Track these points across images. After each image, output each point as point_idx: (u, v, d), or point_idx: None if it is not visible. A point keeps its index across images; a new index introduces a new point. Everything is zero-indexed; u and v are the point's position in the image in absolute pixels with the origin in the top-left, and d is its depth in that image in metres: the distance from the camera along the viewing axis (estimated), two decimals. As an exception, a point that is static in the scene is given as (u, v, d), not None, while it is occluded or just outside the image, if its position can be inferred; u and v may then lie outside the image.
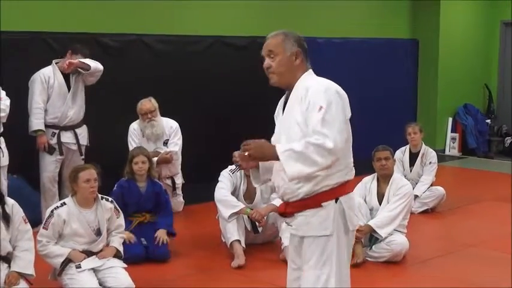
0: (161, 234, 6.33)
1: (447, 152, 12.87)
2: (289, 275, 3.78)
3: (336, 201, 3.56)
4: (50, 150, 7.26)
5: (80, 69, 7.30)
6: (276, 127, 3.78)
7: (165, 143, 8.00)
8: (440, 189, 8.32)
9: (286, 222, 3.76)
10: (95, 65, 7.34)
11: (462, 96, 13.11)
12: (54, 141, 7.29)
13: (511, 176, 10.10)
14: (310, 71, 3.68)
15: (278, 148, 3.43)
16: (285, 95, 3.74)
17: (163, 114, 8.02)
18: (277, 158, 3.43)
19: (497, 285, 5.80)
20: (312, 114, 3.44)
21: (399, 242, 6.29)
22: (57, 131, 7.30)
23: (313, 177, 3.49)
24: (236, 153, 3.76)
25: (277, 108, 3.82)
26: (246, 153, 3.46)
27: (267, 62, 3.64)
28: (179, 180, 8.18)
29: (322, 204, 3.54)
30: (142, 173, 6.42)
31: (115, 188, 6.37)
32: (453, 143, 12.98)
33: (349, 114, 3.56)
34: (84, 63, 7.26)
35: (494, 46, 13.76)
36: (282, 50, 3.62)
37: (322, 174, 3.48)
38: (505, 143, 13.19)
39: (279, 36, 3.66)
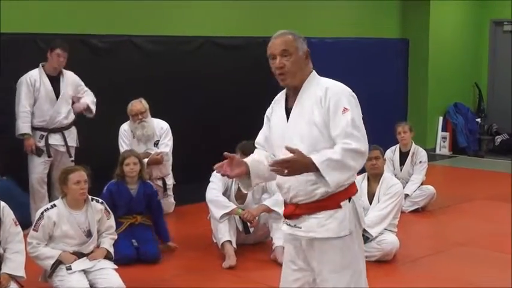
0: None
1: (438, 151, 12.90)
2: (288, 276, 3.73)
3: (349, 201, 3.57)
4: (38, 152, 7.24)
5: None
6: (274, 127, 3.68)
7: (156, 144, 7.98)
8: (430, 188, 8.34)
9: (288, 224, 3.65)
10: (94, 108, 7.57)
11: (452, 95, 13.14)
12: (42, 143, 7.28)
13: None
14: (314, 71, 3.66)
15: (315, 159, 3.33)
16: (282, 95, 3.69)
17: (153, 115, 8.01)
18: (313, 169, 3.35)
19: (489, 284, 5.82)
20: (339, 117, 3.43)
21: (390, 241, 6.31)
22: (45, 134, 7.29)
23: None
24: (217, 166, 3.61)
25: (271, 108, 3.76)
26: (285, 171, 3.31)
27: (280, 61, 3.53)
28: (170, 181, 8.18)
29: (341, 204, 3.54)
30: (133, 174, 6.40)
31: (105, 190, 6.34)
32: (444, 142, 13.01)
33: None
34: (90, 109, 7.54)
35: (484, 45, 13.81)
36: (295, 49, 3.56)
37: None
38: (495, 141, 13.24)
39: (289, 35, 3.59)
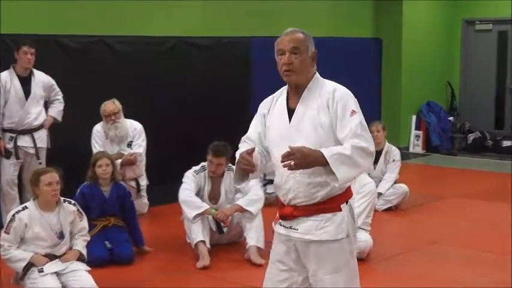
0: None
1: (411, 150, 12.98)
2: (275, 276, 3.70)
3: (346, 204, 3.58)
4: (7, 154, 7.18)
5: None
6: (273, 126, 3.63)
7: (129, 145, 7.95)
8: (403, 187, 8.39)
9: (282, 225, 3.63)
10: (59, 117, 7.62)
11: (425, 94, 13.23)
12: (11, 145, 7.22)
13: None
14: (317, 73, 3.64)
15: (325, 152, 3.34)
16: (283, 94, 3.66)
17: (127, 116, 7.98)
18: (322, 163, 3.35)
19: (461, 281, 5.86)
20: (347, 119, 3.45)
21: (363, 239, 6.32)
22: (14, 135, 7.23)
23: (327, 182, 3.47)
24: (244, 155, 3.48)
25: (268, 105, 3.71)
26: (292, 163, 3.30)
27: (289, 58, 3.50)
28: (143, 182, 8.15)
29: (341, 206, 3.55)
30: (106, 176, 6.36)
31: (77, 193, 6.27)
32: (417, 140, 13.09)
33: None
34: (56, 119, 7.54)
35: (456, 44, 13.92)
36: (305, 49, 3.55)
37: None
38: (467, 140, 13.34)
39: (300, 34, 3.58)
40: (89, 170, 6.38)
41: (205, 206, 6.39)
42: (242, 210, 6.41)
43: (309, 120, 3.50)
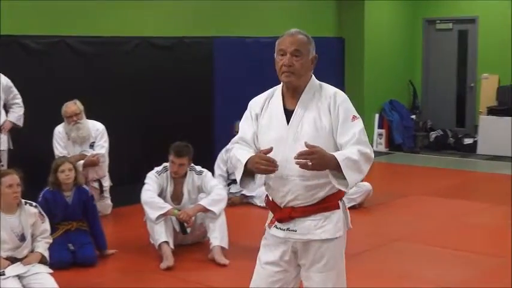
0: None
1: (374, 148, 12.99)
2: (268, 277, 3.66)
3: (340, 201, 3.61)
4: None
5: None
6: (268, 127, 3.57)
7: (92, 146, 7.91)
8: (367, 185, 8.43)
9: (278, 228, 3.59)
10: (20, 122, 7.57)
11: (388, 92, 13.34)
12: None
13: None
14: (313, 75, 3.62)
15: (338, 156, 3.33)
16: (277, 94, 3.61)
17: (89, 117, 7.93)
18: (333, 167, 3.34)
19: (423, 277, 5.92)
20: (348, 124, 3.46)
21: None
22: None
23: (326, 182, 3.48)
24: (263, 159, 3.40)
25: (258, 106, 3.64)
26: (309, 163, 3.28)
27: (290, 60, 3.46)
28: (106, 183, 8.10)
29: (338, 204, 3.58)
30: (69, 181, 6.24)
31: (40, 198, 6.14)
32: (380, 139, 13.19)
33: None
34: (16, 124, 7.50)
35: (417, 43, 14.07)
36: (307, 52, 3.52)
37: None
38: (430, 137, 13.49)
39: (303, 36, 3.54)
40: (50, 175, 6.27)
41: (167, 206, 6.37)
42: (205, 210, 6.40)
43: (309, 122, 3.49)
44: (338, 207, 3.58)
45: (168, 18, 9.99)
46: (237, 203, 8.56)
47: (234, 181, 8.81)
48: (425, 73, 14.15)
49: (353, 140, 3.43)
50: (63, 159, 6.45)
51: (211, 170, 7.40)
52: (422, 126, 13.80)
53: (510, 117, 12.41)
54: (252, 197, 8.61)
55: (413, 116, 13.64)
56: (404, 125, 13.25)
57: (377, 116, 13.20)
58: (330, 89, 3.58)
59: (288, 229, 3.57)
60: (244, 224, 7.95)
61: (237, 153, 3.58)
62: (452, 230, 7.52)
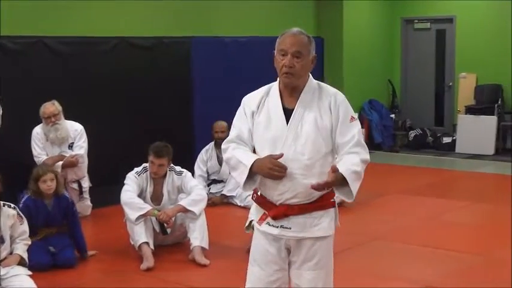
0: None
1: (354, 147, 13.06)
2: (267, 277, 3.63)
3: (333, 199, 3.62)
4: None
5: None
6: (265, 125, 3.55)
7: (70, 147, 7.87)
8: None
9: (272, 225, 3.58)
10: None
11: (367, 92, 13.39)
12: None
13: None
14: (311, 75, 3.63)
15: (344, 173, 3.38)
16: (275, 93, 3.58)
17: (68, 118, 7.89)
18: (341, 182, 3.39)
19: (402, 275, 5.95)
20: (347, 124, 3.50)
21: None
22: None
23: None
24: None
25: (254, 103, 3.60)
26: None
27: (291, 61, 3.45)
28: (86, 184, 8.07)
29: (332, 201, 3.61)
30: (51, 191, 6.15)
31: (21, 204, 5.99)
32: (359, 138, 13.20)
33: None
34: None
35: (396, 42, 14.13)
36: (307, 53, 3.52)
37: None
38: (409, 136, 13.55)
39: (304, 37, 3.52)
40: (30, 182, 6.15)
41: (147, 207, 6.35)
42: (185, 210, 6.39)
43: (310, 121, 3.49)
44: (333, 206, 3.62)
45: (147, 18, 9.95)
46: (217, 203, 8.55)
47: (214, 181, 8.81)
48: (404, 72, 14.22)
49: (352, 142, 3.48)
50: (44, 169, 6.29)
51: (191, 170, 7.38)
52: (402, 125, 13.86)
53: (488, 116, 12.51)
54: (232, 197, 8.61)
55: (393, 115, 13.70)
56: (383, 124, 13.31)
57: (356, 115, 13.15)
58: (330, 89, 3.61)
59: (281, 226, 3.56)
60: (225, 224, 7.95)
61: (237, 154, 3.56)
62: (431, 228, 7.56)
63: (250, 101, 3.64)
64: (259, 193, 3.66)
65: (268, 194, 3.58)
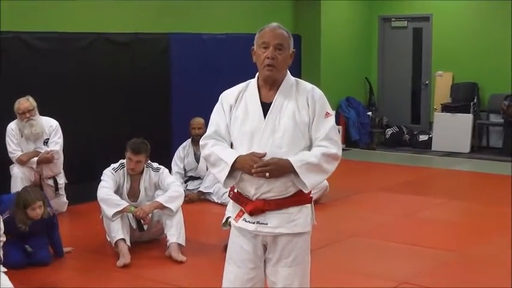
0: None
1: (331, 145, 13.09)
2: (244, 275, 3.62)
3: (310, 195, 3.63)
4: None
5: None
6: (242, 120, 3.54)
7: (45, 143, 7.81)
8: (323, 181, 8.47)
9: (248, 221, 3.55)
10: None
11: (344, 89, 13.43)
12: None
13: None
14: (288, 71, 3.64)
15: (293, 162, 3.41)
16: (253, 87, 3.58)
17: (44, 113, 7.83)
18: (292, 171, 3.42)
19: (379, 272, 5.97)
20: (322, 119, 3.52)
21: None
22: None
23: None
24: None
25: (231, 98, 3.59)
26: (267, 175, 3.39)
27: (273, 53, 3.48)
28: (61, 180, 8.01)
29: (311, 198, 3.62)
30: (39, 217, 5.98)
31: (5, 217, 5.76)
32: (336, 135, 13.23)
33: None
34: None
35: (373, 41, 14.18)
36: (287, 46, 3.55)
37: None
38: (385, 134, 13.61)
39: (284, 31, 3.55)
40: (17, 211, 5.92)
41: (124, 203, 6.32)
42: (162, 207, 6.37)
43: (288, 115, 3.50)
44: (310, 201, 3.63)
45: (124, 14, 9.90)
46: (194, 200, 8.54)
47: (191, 178, 8.79)
48: (381, 70, 14.28)
49: (322, 136, 3.50)
50: (32, 197, 5.99)
51: (168, 167, 7.36)
52: (379, 123, 13.92)
53: (464, 114, 12.59)
54: (209, 193, 8.60)
55: (370, 113, 13.76)
56: (360, 122, 13.36)
57: (334, 112, 13.23)
58: (307, 84, 3.63)
59: (258, 222, 3.55)
60: (201, 221, 7.94)
61: (216, 151, 3.56)
62: (407, 225, 7.60)
63: (228, 95, 3.64)
64: (235, 190, 3.65)
65: (245, 189, 3.56)
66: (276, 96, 3.54)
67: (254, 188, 3.51)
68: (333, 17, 13.15)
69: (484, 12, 12.82)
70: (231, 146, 3.62)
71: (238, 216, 3.62)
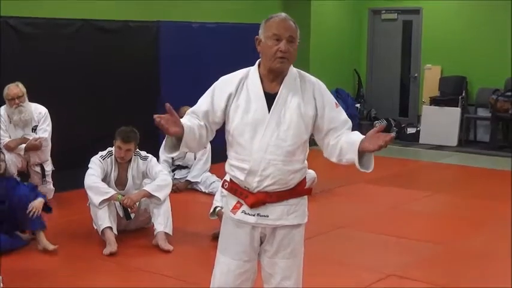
0: (37, 204, 6.08)
1: (319, 136, 13.09)
2: (237, 268, 3.57)
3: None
4: None
5: None
6: (245, 109, 3.45)
7: (34, 129, 7.78)
8: (311, 173, 8.41)
9: (248, 214, 3.49)
10: None
11: (333, 81, 13.37)
12: None
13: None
14: None
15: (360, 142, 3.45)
16: (255, 77, 3.50)
17: (31, 100, 7.78)
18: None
19: (364, 263, 5.99)
20: (335, 111, 3.55)
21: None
22: None
23: (304, 167, 3.54)
24: (157, 116, 3.33)
25: (232, 85, 3.50)
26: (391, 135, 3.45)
27: (286, 46, 3.41)
28: (49, 167, 7.98)
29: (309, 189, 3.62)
30: None
31: None
32: (325, 127, 13.23)
33: None
34: None
35: (363, 33, 14.19)
36: (297, 38, 3.48)
37: (305, 164, 3.55)
38: (374, 126, 13.57)
39: (292, 22, 3.48)
40: None
41: (111, 191, 6.30)
42: (149, 195, 6.35)
43: (294, 107, 3.46)
44: (309, 193, 3.63)
45: (113, 1, 9.85)
46: (182, 189, 8.53)
47: (179, 167, 8.78)
48: (370, 62, 14.29)
49: (346, 126, 3.55)
50: None
51: (156, 156, 7.34)
52: (367, 115, 13.94)
53: (452, 108, 12.63)
54: (196, 183, 8.59)
55: (358, 105, 13.77)
56: (349, 114, 13.13)
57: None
58: (311, 77, 3.60)
59: (258, 214, 3.50)
60: (189, 210, 7.94)
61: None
62: (394, 217, 7.62)
63: (227, 83, 3.54)
64: (228, 179, 3.60)
65: (247, 180, 3.48)
66: (281, 88, 3.48)
67: (257, 180, 3.45)
68: (323, 9, 13.14)
69: (473, 6, 12.85)
70: (210, 128, 3.53)
71: (236, 208, 3.56)
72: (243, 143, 3.45)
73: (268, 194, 3.48)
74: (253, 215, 3.50)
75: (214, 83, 3.59)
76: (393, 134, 3.52)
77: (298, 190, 3.55)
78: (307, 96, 3.50)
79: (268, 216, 3.50)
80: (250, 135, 3.43)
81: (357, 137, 3.47)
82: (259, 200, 3.47)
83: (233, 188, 3.57)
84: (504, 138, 12.41)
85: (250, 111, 3.45)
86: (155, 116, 3.29)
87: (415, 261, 6.09)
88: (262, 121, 3.44)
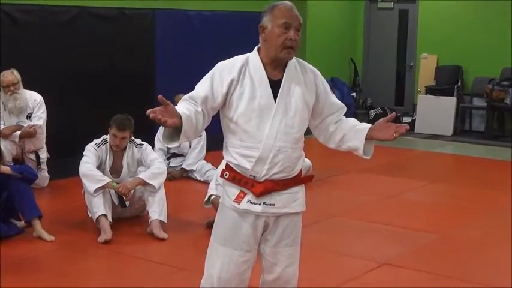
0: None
1: (315, 125, 13.09)
2: (239, 258, 3.51)
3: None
4: None
5: None
6: (250, 96, 3.40)
7: (29, 117, 7.76)
8: (307, 161, 8.42)
9: (253, 202, 3.44)
10: None
11: (329, 70, 13.35)
12: None
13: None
14: None
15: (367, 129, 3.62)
16: (258, 64, 3.46)
17: (26, 87, 7.76)
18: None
19: (359, 252, 6.00)
20: (330, 97, 3.63)
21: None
22: None
23: (303, 154, 3.55)
24: (150, 111, 3.21)
25: (234, 71, 3.43)
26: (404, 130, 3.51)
27: (294, 35, 3.40)
28: (44, 155, 7.97)
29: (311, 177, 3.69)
30: None
31: None
32: (320, 115, 13.23)
33: None
34: None
35: (359, 21, 14.16)
36: (302, 27, 3.51)
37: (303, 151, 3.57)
38: (369, 115, 13.61)
39: (297, 11, 3.47)
40: None
41: (106, 179, 6.29)
42: (144, 183, 6.35)
43: (298, 94, 3.46)
44: (310, 180, 3.68)
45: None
46: (177, 177, 8.52)
47: (174, 155, 8.77)
48: (366, 51, 14.27)
49: (343, 111, 3.66)
50: None
51: (151, 144, 7.33)
52: (362, 104, 13.94)
53: (447, 97, 12.63)
54: (191, 171, 8.58)
55: (354, 94, 13.76)
56: (345, 103, 13.09)
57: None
58: (307, 64, 3.62)
59: (264, 203, 3.46)
60: (184, 198, 7.94)
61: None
62: (389, 206, 7.63)
63: (229, 68, 3.47)
64: (226, 168, 3.54)
65: (254, 169, 3.43)
66: (284, 75, 3.46)
67: (266, 168, 3.42)
68: (320, -3, 13.11)
69: (470, -5, 12.83)
70: (207, 113, 3.45)
71: (240, 197, 3.49)
72: (250, 129, 3.40)
73: (276, 182, 3.45)
74: (259, 204, 3.46)
75: (213, 69, 3.52)
76: (407, 126, 3.57)
77: (300, 178, 3.56)
78: (310, 84, 3.52)
79: (274, 205, 3.48)
80: (256, 121, 3.39)
81: (363, 125, 3.61)
82: (267, 188, 3.44)
83: (236, 177, 3.49)
84: (499, 127, 12.43)
85: (256, 98, 3.41)
86: (148, 111, 3.21)
87: (409, 250, 6.10)
88: (268, 108, 3.40)
